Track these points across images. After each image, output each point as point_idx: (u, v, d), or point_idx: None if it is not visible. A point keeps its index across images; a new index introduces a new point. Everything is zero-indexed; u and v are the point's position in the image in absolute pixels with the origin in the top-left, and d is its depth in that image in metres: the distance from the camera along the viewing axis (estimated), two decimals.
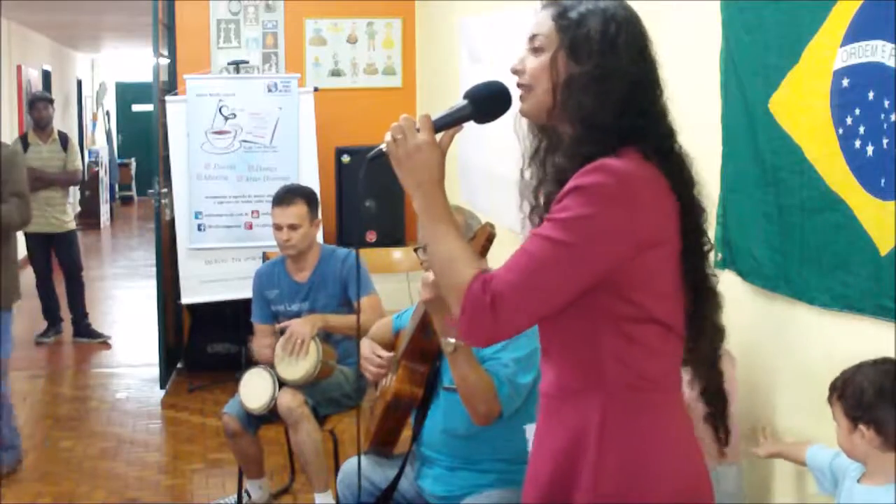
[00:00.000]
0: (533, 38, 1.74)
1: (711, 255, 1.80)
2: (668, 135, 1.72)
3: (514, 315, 1.59)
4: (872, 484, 2.00)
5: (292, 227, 4.03)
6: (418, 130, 1.71)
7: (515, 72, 1.76)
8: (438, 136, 1.73)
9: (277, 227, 4.04)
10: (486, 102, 1.76)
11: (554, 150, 1.80)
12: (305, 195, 4.14)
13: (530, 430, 2.05)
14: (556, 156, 1.78)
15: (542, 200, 1.80)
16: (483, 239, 2.60)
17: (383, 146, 1.73)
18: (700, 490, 1.73)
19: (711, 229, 2.04)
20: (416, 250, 3.00)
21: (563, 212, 1.60)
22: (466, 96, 1.76)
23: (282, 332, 3.92)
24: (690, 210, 1.71)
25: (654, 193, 1.65)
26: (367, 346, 3.18)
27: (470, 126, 1.77)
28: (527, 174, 1.83)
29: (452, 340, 2.70)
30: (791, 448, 2.30)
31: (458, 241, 1.68)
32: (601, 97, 1.65)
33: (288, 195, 4.11)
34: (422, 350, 2.91)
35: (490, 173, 4.80)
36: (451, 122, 1.75)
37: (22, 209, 4.56)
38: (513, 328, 1.61)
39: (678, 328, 1.71)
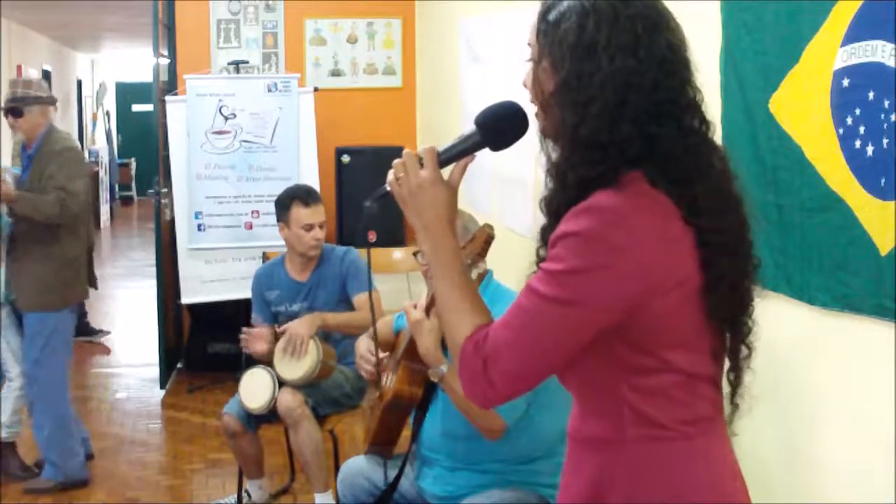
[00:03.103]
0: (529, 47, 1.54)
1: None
2: (689, 149, 1.46)
3: (509, 382, 1.44)
4: None
5: (321, 226, 4.07)
6: (422, 166, 1.55)
7: (525, 87, 1.56)
8: (447, 171, 1.57)
9: (308, 228, 4.04)
10: (497, 126, 1.57)
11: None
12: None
13: None
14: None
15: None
16: (481, 241, 2.61)
17: (387, 185, 1.60)
18: None
19: None
20: (415, 254, 3.01)
21: (556, 262, 1.41)
22: (476, 121, 1.57)
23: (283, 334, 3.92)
24: (711, 239, 1.44)
25: (658, 231, 1.41)
26: (363, 345, 3.18)
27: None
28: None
29: (444, 368, 2.73)
30: None
31: (460, 291, 1.52)
32: (580, 108, 1.42)
33: (314, 195, 4.15)
34: None
35: (496, 174, 4.79)
36: (459, 154, 1.57)
37: (63, 204, 4.33)
38: (510, 393, 1.46)
39: (703, 373, 1.50)
